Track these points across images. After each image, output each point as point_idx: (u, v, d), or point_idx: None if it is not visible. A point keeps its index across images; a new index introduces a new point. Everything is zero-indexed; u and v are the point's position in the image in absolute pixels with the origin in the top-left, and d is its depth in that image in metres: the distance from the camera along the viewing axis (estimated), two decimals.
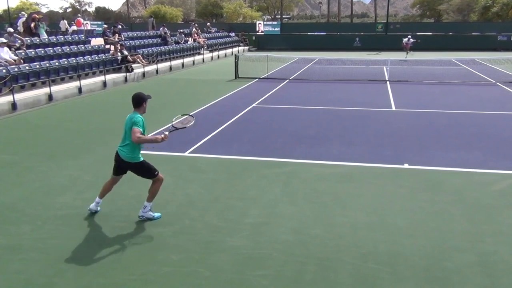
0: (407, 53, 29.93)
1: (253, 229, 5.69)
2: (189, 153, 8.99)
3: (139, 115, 5.73)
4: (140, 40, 25.37)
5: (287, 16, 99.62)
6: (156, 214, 6.04)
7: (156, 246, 5.31)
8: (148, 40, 26.16)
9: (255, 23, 44.15)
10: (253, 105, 13.98)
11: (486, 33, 37.95)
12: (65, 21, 28.15)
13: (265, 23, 44.62)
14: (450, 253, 5.07)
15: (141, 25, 46.37)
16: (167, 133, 5.76)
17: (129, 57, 20.54)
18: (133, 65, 20.61)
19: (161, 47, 25.16)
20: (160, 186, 5.97)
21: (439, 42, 37.48)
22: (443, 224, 5.79)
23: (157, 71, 22.33)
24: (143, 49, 23.31)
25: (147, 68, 21.58)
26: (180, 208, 6.38)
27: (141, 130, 5.64)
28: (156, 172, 5.91)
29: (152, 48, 24.09)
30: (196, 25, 35.22)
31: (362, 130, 10.67)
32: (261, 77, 20.62)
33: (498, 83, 18.10)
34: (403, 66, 22.93)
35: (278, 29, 41.59)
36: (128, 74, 19.81)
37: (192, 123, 6.08)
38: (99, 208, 6.21)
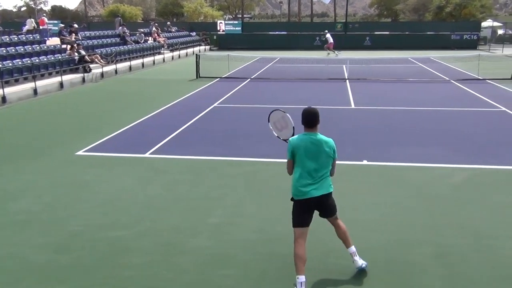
0: (334, 52, 30.85)
1: (217, 229, 5.66)
2: (150, 154, 8.85)
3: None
4: (98, 40, 24.79)
5: (248, 16, 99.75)
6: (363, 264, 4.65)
7: (117, 249, 5.19)
8: (107, 39, 25.59)
9: (216, 23, 43.99)
10: (215, 104, 13.91)
11: (440, 32, 39.28)
12: (32, 20, 27.16)
13: (226, 22, 44.56)
14: (410, 246, 5.20)
15: (99, 25, 45.44)
16: None
17: (86, 57, 20.04)
18: (91, 65, 20.13)
19: (120, 47, 24.68)
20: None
21: (396, 41, 38.48)
22: (404, 218, 5.94)
23: (116, 71, 21.89)
24: (102, 49, 22.79)
25: (106, 68, 21.12)
26: (141, 210, 6.26)
27: None
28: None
29: (111, 48, 23.59)
30: (156, 24, 34.77)
31: (322, 128, 10.75)
32: (223, 76, 20.56)
33: (452, 81, 18.74)
34: (362, 65, 23.40)
35: (239, 28, 41.64)
36: (86, 74, 19.33)
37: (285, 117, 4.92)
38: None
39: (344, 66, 22.95)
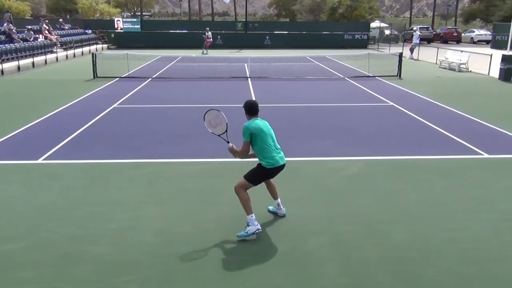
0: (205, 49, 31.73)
1: (117, 234, 5.47)
2: (43, 159, 8.28)
3: None
4: None
5: (148, 13, 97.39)
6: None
7: (4, 264, 4.78)
8: None
9: (114, 20, 42.30)
10: (114, 105, 13.40)
11: (334, 32, 41.47)
12: None
13: (124, 20, 43.02)
14: (308, 236, 5.45)
15: None
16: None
17: None
18: None
19: (5, 45, 22.74)
20: None
21: (294, 40, 39.98)
22: (302, 210, 6.20)
23: (2, 71, 20.14)
24: None
25: None
26: (33, 220, 5.84)
27: None
28: None
29: None
30: (47, 21, 32.55)
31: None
32: (122, 76, 19.86)
33: (346, 78, 19.90)
34: (263, 64, 23.95)
35: (139, 26, 40.42)
36: None
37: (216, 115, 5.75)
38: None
39: (245, 64, 23.31)
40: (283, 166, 5.51)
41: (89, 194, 6.71)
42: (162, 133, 10.23)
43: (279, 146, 5.57)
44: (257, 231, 5.30)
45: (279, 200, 5.91)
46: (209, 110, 5.79)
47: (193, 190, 6.87)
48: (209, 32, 33.32)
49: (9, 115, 12.08)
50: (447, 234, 5.52)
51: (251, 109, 5.58)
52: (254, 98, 14.60)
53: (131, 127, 10.77)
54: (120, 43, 38.33)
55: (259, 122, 5.48)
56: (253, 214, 5.34)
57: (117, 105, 13.51)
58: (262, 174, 5.49)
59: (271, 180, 5.79)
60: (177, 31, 40.93)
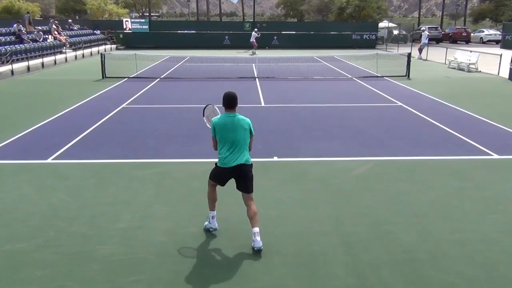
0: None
1: (126, 234, 5.50)
2: (53, 159, 8.35)
3: None
4: None
5: (156, 14, 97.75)
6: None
7: (16, 263, 4.83)
8: (0, 38, 23.65)
9: (122, 21, 42.50)
10: (123, 105, 13.47)
11: (342, 32, 41.37)
12: None
13: (132, 20, 43.20)
14: (316, 237, 5.44)
15: None
16: None
17: None
18: None
19: (15, 46, 22.95)
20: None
21: (302, 40, 39.94)
22: (310, 211, 6.19)
23: (12, 72, 20.31)
24: None
25: (0, 69, 19.55)
26: (43, 219, 5.89)
27: None
28: None
29: (5, 47, 21.86)
30: (56, 21, 32.78)
31: None
32: (131, 76, 19.95)
33: (354, 78, 19.84)
34: (270, 64, 23.95)
35: (147, 26, 40.58)
36: None
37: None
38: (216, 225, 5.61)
39: (253, 65, 23.32)
40: (234, 169, 5.10)
41: (98, 194, 6.75)
42: (170, 133, 10.26)
43: (243, 149, 5.14)
44: (209, 229, 5.51)
45: (257, 229, 5.08)
46: (207, 105, 5.88)
47: (201, 191, 6.86)
48: (258, 33, 32.91)
49: (18, 115, 12.19)
50: (456, 236, 5.49)
51: (223, 102, 5.15)
52: (262, 98, 14.64)
53: (139, 127, 10.82)
54: (128, 44, 38.53)
55: (226, 118, 5.11)
56: (212, 212, 5.49)
57: (126, 105, 13.58)
58: (215, 171, 5.32)
59: (252, 203, 5.20)
60: (185, 31, 41.04)
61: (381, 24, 47.57)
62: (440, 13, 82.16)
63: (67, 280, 4.53)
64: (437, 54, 28.61)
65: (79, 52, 29.44)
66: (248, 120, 5.22)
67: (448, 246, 5.22)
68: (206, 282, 4.53)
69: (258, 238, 5.03)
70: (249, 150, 5.30)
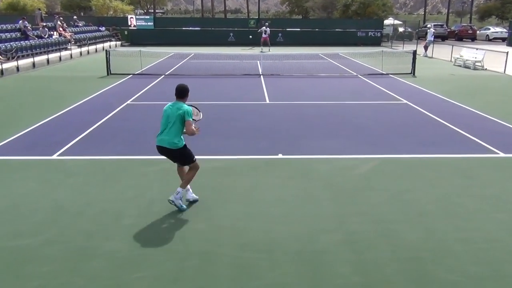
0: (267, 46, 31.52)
1: (131, 231, 5.51)
2: (58, 155, 8.38)
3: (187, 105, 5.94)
4: None
5: (161, 11, 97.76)
6: (184, 206, 6.06)
7: (22, 259, 4.86)
8: (5, 34, 23.73)
9: (127, 17, 42.53)
10: (128, 102, 13.49)
11: (347, 29, 41.21)
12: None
13: (137, 17, 43.22)
14: (320, 235, 5.44)
15: None
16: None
17: None
18: None
19: (21, 42, 23.02)
20: (195, 174, 6.14)
21: (307, 37, 39.80)
22: (313, 208, 6.19)
23: (17, 68, 20.38)
24: (0, 44, 21.10)
25: (6, 65, 19.60)
26: (48, 215, 5.93)
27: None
28: (194, 158, 6.10)
29: (11, 43, 21.93)
30: (61, 18, 32.85)
31: (238, 123, 10.94)
32: (135, 73, 19.98)
33: (359, 75, 19.79)
34: (275, 61, 23.92)
35: (152, 23, 40.54)
36: None
37: (200, 116, 6.41)
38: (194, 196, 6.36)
39: (258, 62, 23.32)
40: (158, 147, 6.03)
41: (103, 191, 6.77)
42: None
43: (167, 131, 5.91)
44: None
45: (179, 189, 6.03)
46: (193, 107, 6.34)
47: (206, 187, 6.89)
48: (268, 28, 32.82)
49: (24, 111, 12.24)
50: (460, 234, 5.47)
51: (175, 91, 6.04)
52: (266, 96, 14.64)
53: (144, 124, 10.84)
54: (133, 40, 38.53)
55: (169, 106, 5.98)
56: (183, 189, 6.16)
57: (131, 101, 13.60)
58: None
59: (185, 168, 6.24)
60: (190, 28, 41.02)
61: (386, 21, 47.35)
62: (446, 10, 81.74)
63: (72, 276, 4.56)
64: (442, 52, 28.48)
65: (84, 49, 29.50)
66: (186, 107, 5.86)
67: (453, 245, 5.21)
68: (210, 279, 4.54)
69: (176, 195, 5.98)
70: (188, 134, 5.88)
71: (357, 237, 5.39)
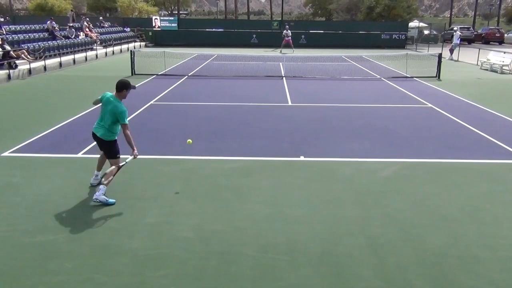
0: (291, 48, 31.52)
1: (153, 229, 5.57)
2: (83, 154, 8.53)
3: (122, 104, 6.45)
4: (24, 34, 23.46)
5: (185, 12, 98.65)
6: (111, 200, 6.26)
7: (47, 254, 4.97)
8: (34, 34, 24.29)
9: (152, 18, 43.05)
10: (151, 102, 13.64)
11: (371, 32, 40.83)
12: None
13: (161, 18, 43.71)
14: (343, 237, 5.40)
15: (26, 18, 43.09)
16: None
17: (12, 52, 18.92)
18: (17, 61, 19.02)
19: (48, 42, 23.52)
20: (116, 173, 6.40)
21: (330, 39, 39.60)
22: (336, 211, 6.14)
23: (45, 67, 20.82)
24: (28, 44, 21.60)
25: (34, 65, 20.03)
26: (74, 212, 6.04)
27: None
28: (118, 155, 6.49)
29: (39, 43, 22.42)
30: (88, 19, 33.46)
31: (260, 125, 10.94)
32: (159, 73, 20.18)
33: (382, 78, 19.58)
34: (298, 63, 23.85)
35: (176, 24, 40.96)
36: (11, 71, 18.22)
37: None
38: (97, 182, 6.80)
39: (280, 63, 23.27)
40: (93, 134, 6.51)
41: (126, 189, 6.86)
42: (198, 130, 10.33)
43: (104, 122, 6.45)
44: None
45: (97, 172, 6.92)
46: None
47: (227, 188, 6.92)
48: (289, 31, 32.95)
49: (51, 110, 12.49)
50: (486, 241, 5.36)
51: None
52: (289, 98, 14.62)
53: (167, 124, 10.94)
54: (157, 41, 38.98)
55: (108, 96, 6.63)
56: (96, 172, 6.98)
57: (154, 101, 13.74)
58: None
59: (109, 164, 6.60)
60: (213, 29, 41.26)
61: (411, 24, 46.75)
62: (473, 13, 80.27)
63: (96, 272, 4.63)
64: (469, 55, 27.96)
65: (109, 49, 29.96)
66: (120, 109, 6.40)
67: (479, 251, 5.11)
68: (231, 279, 4.55)
69: (98, 192, 6.20)
70: (125, 137, 6.37)
71: (381, 240, 5.33)
